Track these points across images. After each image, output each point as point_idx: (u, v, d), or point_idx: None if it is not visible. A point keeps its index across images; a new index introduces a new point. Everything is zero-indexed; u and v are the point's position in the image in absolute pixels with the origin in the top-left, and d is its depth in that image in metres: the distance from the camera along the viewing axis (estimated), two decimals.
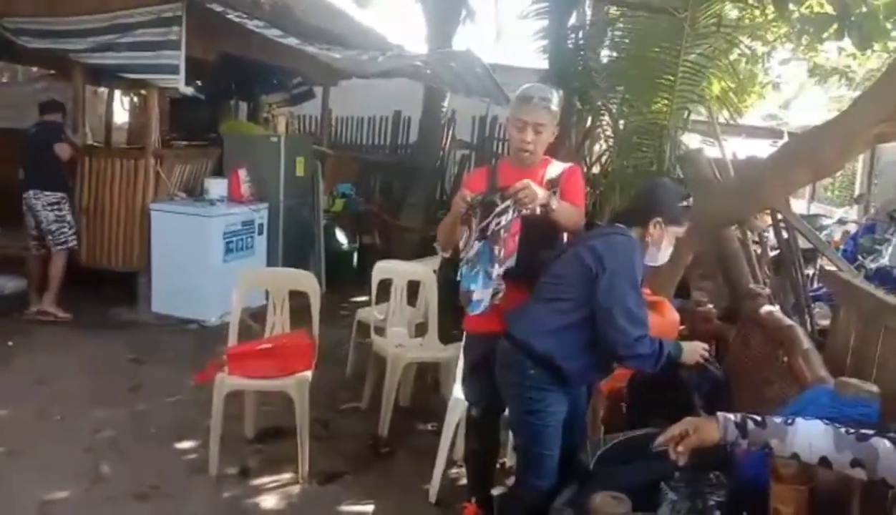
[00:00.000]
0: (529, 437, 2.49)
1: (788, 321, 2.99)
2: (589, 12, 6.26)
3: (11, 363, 4.69)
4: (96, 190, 5.96)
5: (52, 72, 7.97)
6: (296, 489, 3.37)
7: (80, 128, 5.97)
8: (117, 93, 9.05)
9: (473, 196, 2.49)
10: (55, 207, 5.53)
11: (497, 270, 2.45)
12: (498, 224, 2.45)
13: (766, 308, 3.14)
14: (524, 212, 2.44)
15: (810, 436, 1.67)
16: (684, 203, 2.49)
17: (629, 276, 2.35)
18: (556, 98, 2.65)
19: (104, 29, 5.52)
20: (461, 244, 2.54)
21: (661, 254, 2.51)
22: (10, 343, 5.01)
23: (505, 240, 2.45)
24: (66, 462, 3.45)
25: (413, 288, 4.51)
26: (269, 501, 3.28)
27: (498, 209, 2.45)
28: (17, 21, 5.67)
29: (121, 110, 10.01)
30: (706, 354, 2.51)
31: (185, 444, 3.73)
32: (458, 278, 2.54)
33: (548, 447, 2.45)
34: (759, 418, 1.76)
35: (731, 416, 1.78)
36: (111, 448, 3.65)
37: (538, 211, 2.46)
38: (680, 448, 1.80)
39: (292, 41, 5.82)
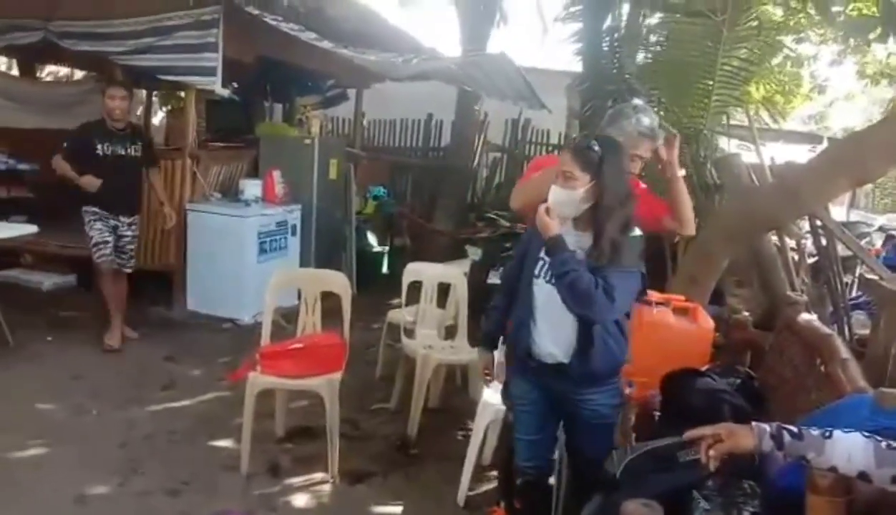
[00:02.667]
0: None
1: (826, 329, 2.93)
2: (625, 15, 6.20)
3: (49, 358, 4.79)
4: None
5: (94, 74, 8.14)
6: (325, 488, 3.39)
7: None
8: (155, 94, 9.23)
9: None
10: (85, 224, 5.05)
11: None
12: None
13: (804, 316, 3.08)
14: None
15: (850, 450, 1.63)
16: None
17: None
18: None
19: (144, 32, 5.63)
20: None
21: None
22: (48, 338, 5.13)
23: None
24: (102, 457, 3.52)
25: (443, 291, 4.52)
26: (299, 500, 3.30)
27: None
28: (62, 24, 5.81)
29: (159, 111, 10.22)
30: None
31: (217, 442, 3.78)
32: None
33: (517, 429, 2.59)
34: (795, 429, 1.72)
35: (767, 427, 1.74)
36: (144, 445, 3.71)
37: None
38: (711, 453, 1.76)
39: (326, 44, 5.87)
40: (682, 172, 2.64)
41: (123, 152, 4.97)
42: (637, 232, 2.36)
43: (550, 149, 9.84)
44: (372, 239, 7.81)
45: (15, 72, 8.64)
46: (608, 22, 5.90)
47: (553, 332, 2.39)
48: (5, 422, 3.77)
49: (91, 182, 4.82)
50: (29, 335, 5.03)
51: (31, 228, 5.14)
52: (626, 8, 6.13)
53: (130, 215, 5.11)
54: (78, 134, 5.04)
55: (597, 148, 2.31)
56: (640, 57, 5.62)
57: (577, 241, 2.33)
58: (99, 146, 4.89)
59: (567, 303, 2.28)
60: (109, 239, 5.01)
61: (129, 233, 5.12)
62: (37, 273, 6.48)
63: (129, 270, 5.23)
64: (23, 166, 6.79)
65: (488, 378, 2.76)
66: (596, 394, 2.43)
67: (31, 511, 3.02)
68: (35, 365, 4.63)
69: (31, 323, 5.29)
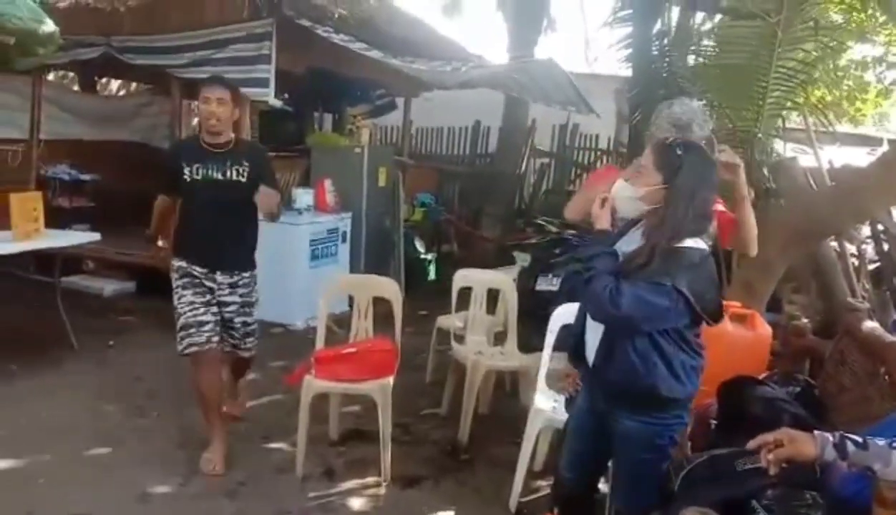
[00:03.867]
0: None
1: (890, 337, 2.85)
2: (675, 18, 6.14)
3: (112, 361, 4.96)
4: None
5: (149, 86, 8.40)
6: (379, 491, 3.43)
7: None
8: None
9: None
10: (173, 290, 3.56)
11: None
12: None
13: (867, 323, 3.00)
14: None
15: None
16: None
17: None
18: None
19: (200, 45, 5.78)
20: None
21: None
22: (110, 342, 5.30)
23: None
24: (162, 458, 3.62)
25: (492, 297, 4.53)
26: (354, 503, 3.35)
27: None
28: (122, 39, 6.02)
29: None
30: None
31: (272, 444, 3.85)
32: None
33: (567, 435, 2.56)
34: (859, 439, 1.68)
35: (829, 436, 1.71)
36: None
37: None
38: (770, 457, 1.73)
39: (376, 54, 5.95)
40: (751, 195, 2.58)
41: (221, 177, 3.40)
42: (698, 244, 2.10)
43: (599, 153, 9.78)
44: (419, 245, 7.87)
45: (75, 86, 8.97)
46: (658, 26, 5.85)
47: (593, 334, 2.27)
48: (71, 423, 3.93)
49: (157, 253, 3.90)
50: (92, 339, 5.21)
51: (95, 236, 5.31)
52: (675, 11, 6.06)
53: (231, 272, 3.50)
54: (166, 157, 3.87)
55: (680, 152, 2.11)
56: (692, 60, 5.55)
57: None
58: (186, 169, 3.40)
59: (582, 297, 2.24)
60: (204, 318, 3.41)
61: (232, 299, 3.51)
62: (98, 279, 6.71)
63: (246, 354, 3.73)
64: (84, 176, 7.06)
65: (570, 386, 2.64)
66: (629, 421, 2.20)
67: (96, 509, 3.12)
68: (98, 369, 4.79)
69: (93, 327, 5.47)
